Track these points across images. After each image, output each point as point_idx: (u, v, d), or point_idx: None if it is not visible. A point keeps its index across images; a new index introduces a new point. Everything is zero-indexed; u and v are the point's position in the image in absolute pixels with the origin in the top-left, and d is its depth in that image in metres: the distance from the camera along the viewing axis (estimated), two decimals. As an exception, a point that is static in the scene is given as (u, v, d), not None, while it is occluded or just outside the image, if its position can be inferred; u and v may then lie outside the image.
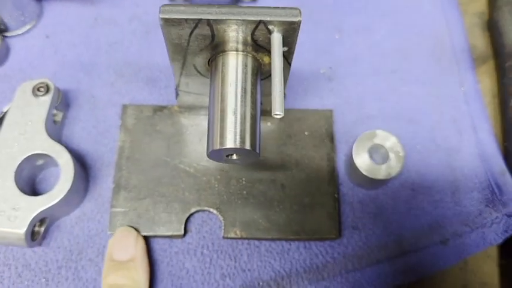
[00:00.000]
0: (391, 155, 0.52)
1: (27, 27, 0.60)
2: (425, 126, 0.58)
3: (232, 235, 0.52)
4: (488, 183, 0.56)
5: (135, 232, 0.51)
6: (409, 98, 0.60)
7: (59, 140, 0.54)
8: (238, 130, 0.40)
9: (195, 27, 0.39)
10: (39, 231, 0.50)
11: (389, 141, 0.52)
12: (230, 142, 0.40)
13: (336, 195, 0.54)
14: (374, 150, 0.53)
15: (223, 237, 0.52)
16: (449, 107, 0.60)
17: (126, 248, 0.49)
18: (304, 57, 0.61)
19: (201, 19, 0.38)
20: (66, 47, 0.60)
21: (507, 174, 0.56)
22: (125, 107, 0.56)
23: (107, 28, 0.62)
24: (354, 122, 0.58)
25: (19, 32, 0.60)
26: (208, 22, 0.39)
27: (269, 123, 0.56)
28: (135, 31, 0.62)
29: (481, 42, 0.65)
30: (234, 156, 0.43)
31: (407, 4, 0.66)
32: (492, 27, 0.63)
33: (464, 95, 0.60)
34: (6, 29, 0.59)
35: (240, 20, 0.38)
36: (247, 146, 0.40)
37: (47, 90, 0.52)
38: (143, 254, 0.50)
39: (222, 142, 0.40)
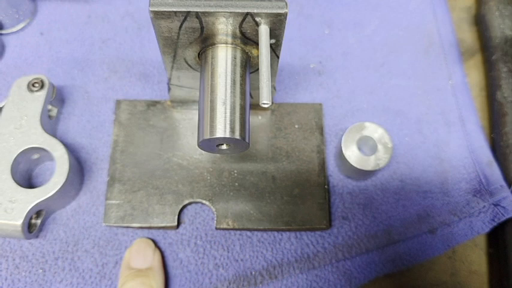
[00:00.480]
0: (379, 146, 0.53)
1: (22, 24, 0.61)
2: (414, 118, 0.60)
3: (225, 226, 0.53)
4: (476, 173, 0.57)
5: (152, 244, 0.52)
6: (398, 91, 0.61)
7: (54, 135, 0.55)
8: (228, 120, 0.41)
9: (184, 20, 0.40)
10: (35, 224, 0.51)
11: (377, 132, 0.54)
12: (220, 131, 0.41)
13: (326, 187, 0.55)
14: (363, 142, 0.54)
15: (216, 228, 0.53)
16: (438, 99, 0.61)
17: (145, 256, 0.50)
18: (294, 52, 0.62)
19: (189, 11, 0.39)
20: (60, 43, 0.61)
21: (494, 164, 0.57)
22: (118, 102, 0.57)
23: (100, 25, 0.63)
24: (344, 115, 0.59)
25: (14, 29, 0.61)
26: (197, 14, 0.40)
27: (260, 117, 0.57)
28: (127, 28, 0.63)
29: (468, 36, 0.66)
30: (224, 146, 0.44)
31: (396, -2, 0.67)
32: (479, 21, 0.64)
33: (452, 88, 0.61)
34: (1, 27, 0.60)
35: (227, 12, 0.39)
36: (237, 136, 0.41)
37: (42, 85, 0.53)
38: (160, 265, 0.51)
39: (212, 132, 0.41)
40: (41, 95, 0.53)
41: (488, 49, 0.62)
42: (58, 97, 0.56)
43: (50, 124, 0.55)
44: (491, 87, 0.61)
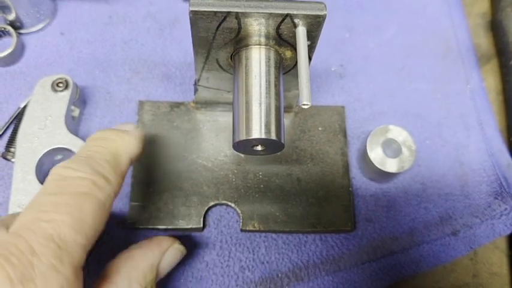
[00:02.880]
0: (404, 149, 0.53)
1: (42, 24, 0.60)
2: (433, 122, 0.60)
3: (250, 228, 0.52)
4: (496, 176, 0.58)
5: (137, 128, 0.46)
6: (417, 95, 0.61)
7: (76, 135, 0.54)
8: (263, 121, 0.41)
9: (223, 20, 0.40)
10: (59, 225, 0.50)
11: (401, 135, 0.54)
12: (256, 132, 0.41)
13: (350, 189, 0.55)
14: (387, 145, 0.55)
15: (241, 230, 0.53)
16: (457, 103, 0.61)
17: (124, 125, 0.46)
18: (316, 55, 0.61)
19: (230, 12, 0.39)
20: (81, 44, 0.61)
21: (514, 168, 0.58)
22: (141, 103, 0.57)
23: (122, 25, 0.62)
24: (365, 118, 0.60)
25: (34, 29, 0.60)
26: (237, 15, 0.40)
27: (284, 118, 0.57)
28: (149, 29, 0.62)
29: (484, 41, 0.67)
30: (259, 147, 0.44)
31: (414, 4, 0.68)
32: (496, 27, 0.65)
33: (471, 92, 0.62)
34: (21, 26, 0.59)
35: (267, 13, 0.40)
36: (273, 136, 0.41)
37: (66, 85, 0.53)
38: (140, 137, 0.44)
39: (248, 132, 0.41)
40: (65, 95, 0.53)
41: (505, 54, 0.63)
42: (80, 98, 0.55)
43: (72, 125, 0.54)
44: (508, 92, 0.62)
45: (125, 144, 0.42)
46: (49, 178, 0.37)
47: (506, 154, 0.59)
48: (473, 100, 0.62)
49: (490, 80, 0.65)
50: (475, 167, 0.58)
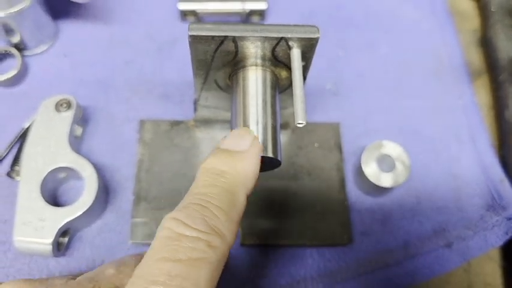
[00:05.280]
0: (398, 164, 0.55)
1: (45, 46, 0.62)
2: (427, 137, 0.62)
3: (250, 242, 0.54)
4: (488, 189, 0.59)
5: (254, 133, 0.42)
6: (411, 111, 0.63)
7: (78, 153, 0.55)
8: (260, 139, 0.43)
9: (220, 44, 0.42)
10: (63, 242, 0.52)
11: (395, 151, 0.55)
12: None
13: (346, 203, 0.56)
14: (381, 160, 0.56)
15: (241, 245, 0.54)
16: (449, 119, 0.63)
17: (240, 139, 0.41)
18: (310, 74, 0.63)
19: (227, 36, 0.41)
20: (83, 66, 0.62)
21: (505, 180, 0.59)
22: (142, 122, 0.59)
23: (122, 47, 0.64)
24: (360, 134, 0.61)
25: (38, 51, 0.62)
26: (234, 39, 0.41)
27: (282, 136, 0.59)
28: (148, 49, 0.64)
29: (475, 57, 0.69)
30: (257, 165, 0.45)
31: (407, 22, 0.70)
32: (486, 43, 0.67)
33: (463, 108, 0.64)
34: (25, 48, 0.61)
35: (263, 36, 0.41)
36: (270, 154, 0.43)
37: (69, 106, 0.54)
38: (257, 158, 0.40)
39: None
40: (69, 115, 0.54)
41: (495, 70, 0.65)
42: (82, 117, 0.57)
43: (75, 143, 0.56)
44: (499, 107, 0.64)
45: (242, 177, 0.38)
46: (161, 234, 0.33)
47: (498, 168, 0.60)
48: (465, 115, 0.63)
49: (482, 95, 0.66)
50: (468, 181, 0.60)
